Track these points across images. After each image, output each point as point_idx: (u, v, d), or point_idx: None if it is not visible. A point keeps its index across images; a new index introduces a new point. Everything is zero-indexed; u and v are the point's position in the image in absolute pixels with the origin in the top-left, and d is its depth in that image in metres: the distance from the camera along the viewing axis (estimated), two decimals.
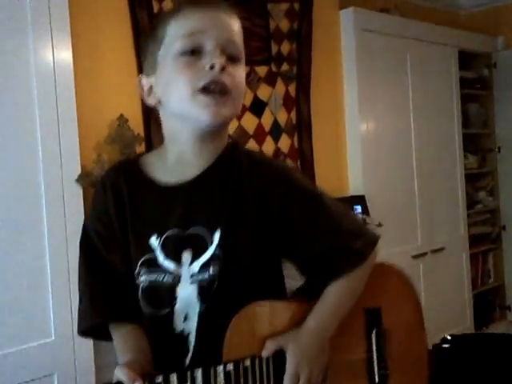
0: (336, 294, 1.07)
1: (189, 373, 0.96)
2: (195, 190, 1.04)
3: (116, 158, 2.30)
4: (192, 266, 1.02)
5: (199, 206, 1.04)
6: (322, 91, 3.31)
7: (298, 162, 3.19)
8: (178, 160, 1.06)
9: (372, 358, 1.14)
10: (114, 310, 1.08)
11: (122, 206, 1.07)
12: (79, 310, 1.12)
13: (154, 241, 1.04)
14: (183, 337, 1.04)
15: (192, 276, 1.02)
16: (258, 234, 1.04)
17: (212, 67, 0.97)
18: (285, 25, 3.13)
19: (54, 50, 2.08)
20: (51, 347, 2.03)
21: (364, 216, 3.24)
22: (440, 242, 3.85)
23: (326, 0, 3.32)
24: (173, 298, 1.03)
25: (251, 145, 2.95)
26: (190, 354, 1.04)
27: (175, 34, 1.00)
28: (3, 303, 1.95)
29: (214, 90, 0.98)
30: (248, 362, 1.00)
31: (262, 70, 3.02)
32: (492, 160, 4.37)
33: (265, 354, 1.01)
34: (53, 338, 2.04)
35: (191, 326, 1.03)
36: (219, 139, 1.06)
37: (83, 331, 1.13)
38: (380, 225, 3.27)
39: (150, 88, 1.06)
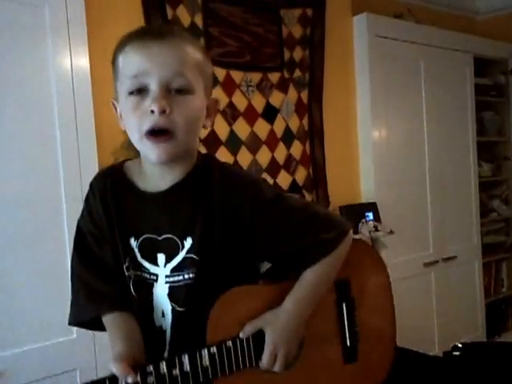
0: (312, 279, 1.14)
1: (177, 359, 1.03)
2: (167, 200, 1.11)
3: None
4: (166, 268, 1.12)
5: (171, 216, 1.10)
6: (335, 98, 3.30)
7: (310, 169, 3.19)
8: (152, 172, 1.12)
9: (344, 325, 1.24)
10: (108, 303, 1.14)
11: (108, 208, 1.14)
12: (72, 303, 1.19)
13: (133, 242, 1.13)
14: (161, 332, 1.13)
15: (166, 277, 1.12)
16: (229, 241, 1.11)
17: (152, 111, 1.00)
18: (297, 31, 3.13)
19: (72, 57, 2.16)
20: (73, 344, 2.13)
21: (376, 223, 3.22)
22: (452, 251, 3.82)
23: (339, 6, 3.32)
24: (151, 293, 1.13)
25: (263, 151, 2.98)
26: (167, 349, 1.13)
27: (123, 72, 1.04)
28: (28, 301, 2.04)
29: (157, 132, 1.02)
30: (230, 343, 1.09)
31: (274, 77, 3.03)
32: (507, 168, 4.33)
33: (242, 335, 1.10)
34: (75, 335, 2.12)
35: (167, 323, 1.13)
36: (185, 159, 1.11)
37: (78, 323, 1.21)
38: (391, 232, 3.26)
39: (121, 114, 1.11)
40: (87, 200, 1.19)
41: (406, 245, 3.49)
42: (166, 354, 1.12)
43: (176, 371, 1.03)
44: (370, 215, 3.26)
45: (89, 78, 2.20)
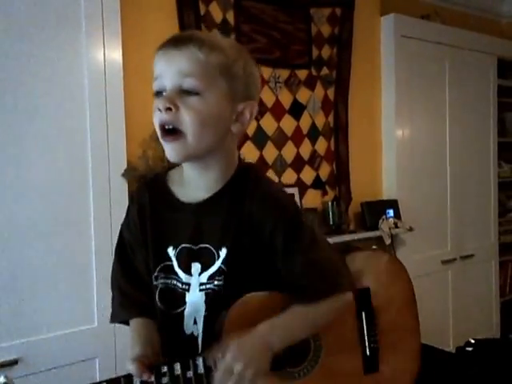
0: (294, 316, 1.13)
1: (191, 361, 1.06)
2: (204, 211, 1.15)
3: (160, 154, 2.38)
4: (201, 277, 1.15)
5: (207, 226, 1.15)
6: (360, 96, 3.36)
7: (334, 165, 3.25)
8: (189, 181, 1.17)
9: (363, 334, 1.24)
10: (136, 309, 1.23)
11: (144, 219, 1.20)
12: (112, 303, 1.28)
13: (171, 251, 1.17)
14: (193, 338, 1.16)
15: (200, 285, 1.15)
16: (256, 255, 1.14)
17: (160, 110, 1.06)
18: (326, 29, 3.19)
19: (106, 49, 2.18)
20: (94, 333, 2.14)
21: (396, 220, 3.28)
22: (470, 249, 3.87)
23: (368, 6, 3.37)
24: (183, 302, 1.16)
25: (289, 146, 3.04)
26: (200, 352, 1.15)
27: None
28: (51, 290, 2.06)
29: (168, 131, 1.07)
30: None
31: (302, 74, 3.09)
32: None
33: (209, 355, 1.08)
34: (95, 324, 2.14)
35: (199, 329, 1.15)
36: (216, 163, 1.14)
37: (116, 322, 1.31)
38: (411, 229, 3.31)
39: None
40: (128, 209, 1.26)
41: (425, 242, 3.55)
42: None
43: (190, 373, 1.05)
44: (391, 212, 3.32)
45: (121, 70, 2.22)
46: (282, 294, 1.16)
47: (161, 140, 1.09)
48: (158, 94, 1.08)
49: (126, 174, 2.21)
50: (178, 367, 1.05)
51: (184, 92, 1.06)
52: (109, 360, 2.15)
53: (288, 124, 3.04)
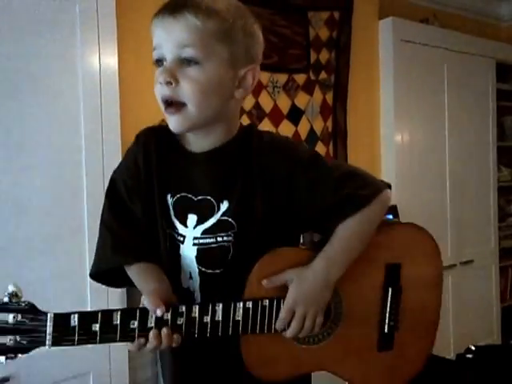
0: (343, 235, 1.12)
1: (210, 306, 1.04)
2: (209, 162, 1.12)
3: None
4: (195, 230, 1.11)
5: (210, 177, 1.12)
6: (359, 100, 3.34)
7: None
8: (194, 137, 1.14)
9: (385, 311, 1.21)
10: (134, 254, 1.13)
11: (150, 162, 1.15)
12: (97, 251, 1.18)
13: (169, 198, 1.13)
14: (189, 293, 1.13)
15: (194, 239, 1.11)
16: (269, 207, 1.11)
17: (161, 83, 1.04)
18: (324, 33, 3.17)
19: (101, 56, 2.17)
20: (88, 347, 2.07)
21: None
22: (470, 254, 3.84)
23: (366, 10, 3.36)
24: (178, 255, 1.13)
25: None
26: None
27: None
28: (44, 302, 2.00)
29: (170, 104, 1.05)
30: (266, 302, 1.08)
31: (300, 78, 3.07)
32: None
33: (265, 283, 1.07)
34: None
35: (195, 285, 1.13)
36: (219, 128, 1.12)
37: (97, 273, 1.19)
38: None
39: None
40: (128, 151, 1.20)
41: None
42: None
43: (207, 318, 1.03)
44: (390, 217, 3.28)
45: (116, 77, 2.22)
46: (308, 250, 1.15)
47: (163, 112, 1.07)
48: (158, 62, 1.07)
49: None
50: (196, 309, 1.03)
51: (183, 61, 1.04)
52: (103, 375, 2.12)
53: (286, 129, 3.02)
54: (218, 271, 1.11)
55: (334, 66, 3.21)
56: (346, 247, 1.13)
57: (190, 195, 1.12)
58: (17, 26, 1.97)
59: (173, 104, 1.05)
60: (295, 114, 3.05)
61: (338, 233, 1.12)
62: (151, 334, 1.01)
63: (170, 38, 1.04)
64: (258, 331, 1.07)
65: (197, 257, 1.11)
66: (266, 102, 2.92)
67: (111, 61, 2.20)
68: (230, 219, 1.10)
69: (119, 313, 1.00)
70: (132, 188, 1.16)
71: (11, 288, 1.03)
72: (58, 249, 2.05)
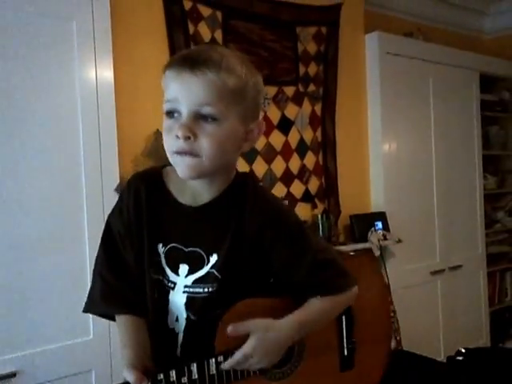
0: (317, 309, 1.19)
1: (186, 367, 1.09)
2: (200, 216, 1.17)
3: None
4: (186, 279, 1.17)
5: (201, 231, 1.17)
6: (347, 111, 3.43)
7: (323, 179, 3.32)
8: (190, 186, 1.17)
9: (342, 336, 1.33)
10: (121, 305, 1.20)
11: (140, 209, 1.18)
12: (90, 293, 1.25)
13: (160, 248, 1.18)
14: (174, 334, 1.19)
15: (184, 287, 1.17)
16: (252, 262, 1.17)
17: (178, 137, 1.05)
18: (312, 47, 3.27)
19: (97, 69, 2.25)
20: (90, 345, 2.17)
21: (384, 232, 3.34)
22: (458, 260, 3.93)
23: (352, 25, 3.47)
24: (167, 299, 1.18)
25: (278, 161, 3.10)
26: (178, 349, 1.19)
27: (164, 93, 1.11)
28: (47, 303, 2.09)
29: (183, 154, 1.07)
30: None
31: (289, 90, 3.17)
32: (511, 181, 4.46)
33: (229, 329, 1.10)
34: (91, 336, 2.18)
35: (180, 327, 1.18)
36: (220, 177, 1.16)
37: (91, 313, 1.28)
38: (399, 241, 3.37)
39: None
40: (121, 197, 1.23)
41: (414, 253, 3.60)
42: (178, 353, 1.18)
43: (185, 379, 1.08)
44: (379, 224, 3.37)
45: (112, 90, 2.29)
46: (274, 299, 1.20)
47: (174, 159, 1.09)
48: (169, 113, 1.08)
49: (118, 189, 2.26)
50: (173, 374, 1.08)
51: (201, 117, 1.06)
52: (104, 372, 2.17)
53: (277, 139, 3.10)
54: (202, 317, 1.16)
55: (322, 79, 3.31)
56: (316, 319, 1.20)
57: (180, 246, 1.17)
58: (15, 43, 2.05)
59: (187, 153, 1.07)
60: (285, 125, 3.14)
61: (312, 304, 1.19)
62: None
63: (189, 94, 1.05)
64: (232, 380, 1.13)
65: (185, 303, 1.16)
66: None
67: (107, 74, 2.28)
68: (215, 272, 1.15)
69: None
70: (125, 236, 1.20)
71: None
72: (58, 249, 2.12)
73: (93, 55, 2.23)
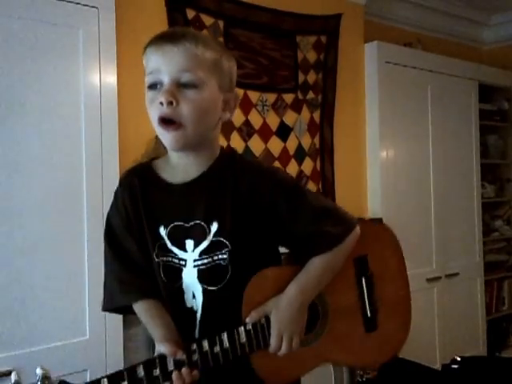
0: (316, 268, 1.25)
1: (217, 337, 1.16)
2: (193, 190, 1.23)
3: None
4: (194, 253, 1.22)
5: (197, 203, 1.22)
6: (345, 119, 3.48)
7: (320, 185, 3.36)
8: (177, 164, 1.25)
9: (364, 298, 1.35)
10: (136, 292, 1.26)
11: (136, 201, 1.26)
12: (106, 291, 1.31)
13: (162, 230, 1.24)
14: (192, 312, 1.24)
15: (194, 261, 1.22)
16: (252, 225, 1.22)
17: (161, 103, 1.13)
18: (312, 56, 3.33)
19: (101, 75, 2.30)
20: (85, 345, 2.19)
21: None
22: (455, 267, 3.94)
23: (352, 34, 3.52)
24: (180, 277, 1.23)
25: (276, 166, 3.12)
26: (197, 328, 1.24)
27: (146, 70, 1.19)
28: (44, 303, 2.12)
29: (167, 121, 1.15)
30: (263, 321, 1.21)
31: (288, 98, 3.22)
32: (509, 190, 4.48)
33: (248, 320, 1.20)
34: (87, 336, 2.20)
35: (198, 304, 1.23)
36: (206, 151, 1.24)
37: (107, 310, 1.33)
38: None
39: None
40: (116, 195, 1.30)
41: (410, 260, 3.43)
42: (196, 333, 1.23)
43: (217, 348, 1.15)
44: None
45: (116, 95, 2.34)
46: (294, 266, 1.27)
47: (159, 130, 1.16)
48: (153, 86, 1.16)
49: None
50: (205, 343, 1.15)
51: (182, 85, 1.14)
52: (100, 372, 2.07)
53: (275, 145, 3.15)
54: (218, 287, 1.21)
55: (321, 87, 3.36)
56: (319, 275, 1.26)
57: (181, 223, 1.22)
58: (22, 49, 2.10)
59: (171, 123, 1.14)
60: (284, 131, 3.19)
61: (310, 265, 1.25)
62: (174, 376, 1.13)
63: (170, 63, 1.14)
64: (263, 347, 1.21)
65: (198, 277, 1.22)
66: (256, 120, 3.05)
67: (111, 80, 2.33)
68: (222, 239, 1.20)
69: (141, 365, 1.12)
70: (125, 229, 1.27)
71: (40, 371, 1.15)
72: (56, 251, 2.15)
73: (97, 62, 2.29)
